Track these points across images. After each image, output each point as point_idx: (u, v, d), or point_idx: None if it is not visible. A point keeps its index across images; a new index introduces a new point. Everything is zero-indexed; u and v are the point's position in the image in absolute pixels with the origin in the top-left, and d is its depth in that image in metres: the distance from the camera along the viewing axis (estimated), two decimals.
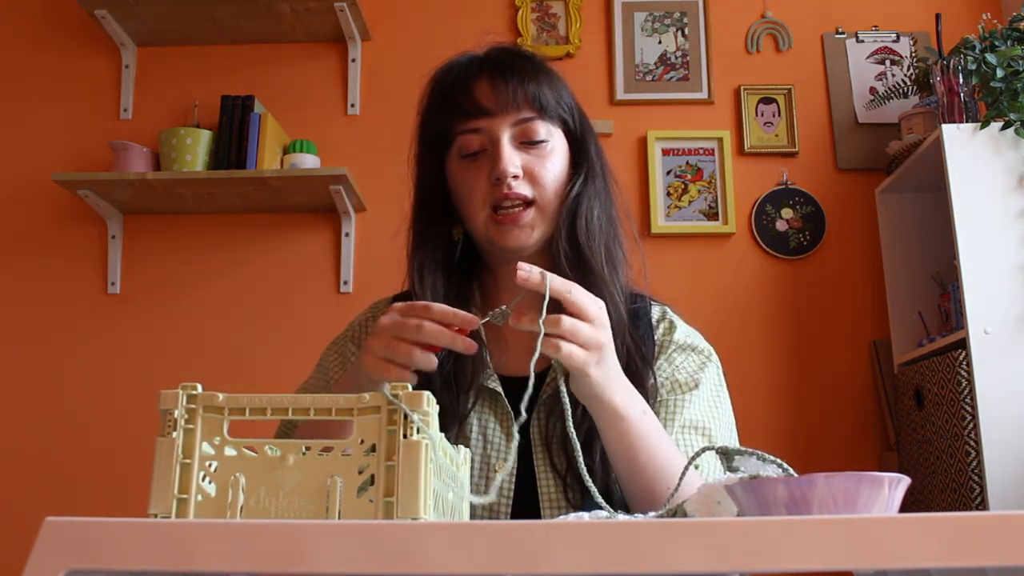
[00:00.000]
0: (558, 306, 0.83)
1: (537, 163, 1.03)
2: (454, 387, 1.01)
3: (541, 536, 0.47)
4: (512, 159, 1.01)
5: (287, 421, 1.04)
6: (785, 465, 0.62)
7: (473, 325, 0.82)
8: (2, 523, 2.30)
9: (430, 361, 0.83)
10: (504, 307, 0.83)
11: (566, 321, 0.81)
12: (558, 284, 0.82)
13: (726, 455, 0.67)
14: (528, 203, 1.03)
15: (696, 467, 0.96)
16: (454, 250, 1.07)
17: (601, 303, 0.86)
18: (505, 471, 0.74)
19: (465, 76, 1.05)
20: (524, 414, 0.73)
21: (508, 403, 1.01)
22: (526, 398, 0.73)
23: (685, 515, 0.63)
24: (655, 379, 1.03)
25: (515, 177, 1.01)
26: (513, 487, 0.98)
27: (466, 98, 1.04)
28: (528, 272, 0.81)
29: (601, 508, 0.73)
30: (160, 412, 0.58)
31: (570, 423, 0.79)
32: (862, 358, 2.43)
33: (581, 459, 0.77)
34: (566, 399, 0.80)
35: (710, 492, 0.62)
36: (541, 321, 0.80)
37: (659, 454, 0.90)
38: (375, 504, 0.56)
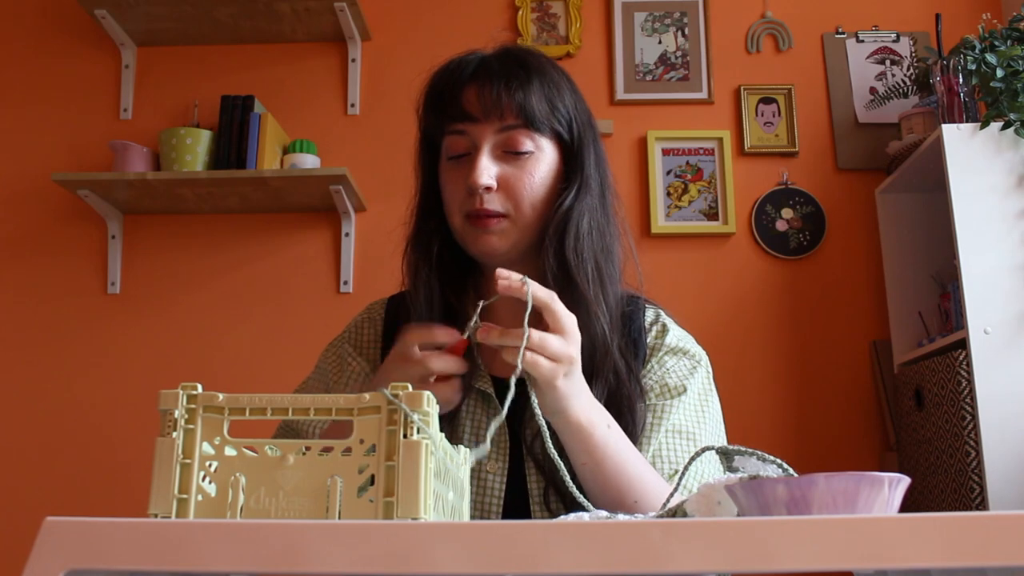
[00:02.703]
0: (535, 311, 0.84)
1: (515, 175, 1.01)
2: None
3: (541, 536, 0.47)
4: (487, 169, 0.99)
5: (287, 425, 1.04)
6: (785, 465, 0.62)
7: (465, 344, 0.85)
8: (2, 523, 2.30)
9: (454, 364, 0.87)
10: (474, 320, 0.85)
11: (535, 334, 0.82)
12: (541, 293, 0.83)
13: (726, 455, 0.67)
14: (501, 216, 1.01)
15: (686, 489, 0.96)
16: (448, 246, 1.07)
17: (574, 318, 0.87)
18: (494, 426, 0.75)
19: (458, 78, 1.04)
20: (503, 414, 0.75)
21: (499, 403, 1.01)
22: (509, 399, 0.75)
23: (685, 515, 0.63)
24: (641, 388, 1.02)
25: (487, 189, 0.99)
26: (504, 487, 0.99)
27: (453, 101, 1.03)
28: (508, 280, 0.82)
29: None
30: (160, 412, 0.58)
31: (550, 444, 0.78)
32: (862, 358, 2.43)
33: (565, 470, 0.78)
34: (542, 421, 0.80)
35: (710, 492, 0.62)
36: (524, 340, 0.81)
37: (627, 469, 0.90)
38: (375, 504, 0.56)
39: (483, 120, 1.01)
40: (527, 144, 1.01)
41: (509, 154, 1.01)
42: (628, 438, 0.94)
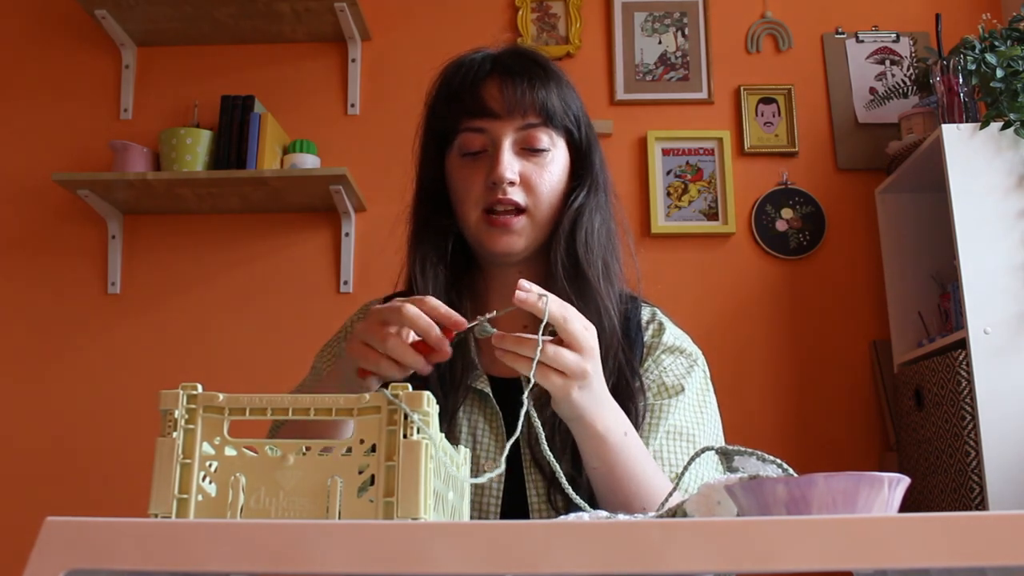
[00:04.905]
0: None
1: (535, 172, 1.03)
2: (443, 385, 1.00)
3: (541, 536, 0.47)
4: (511, 165, 1.01)
5: (275, 420, 1.04)
6: (785, 465, 0.62)
7: (461, 328, 0.81)
8: (2, 523, 2.30)
9: (404, 354, 0.81)
10: (485, 319, 0.82)
11: (550, 350, 0.80)
12: (556, 310, 0.81)
13: (726, 455, 0.67)
14: (520, 210, 1.02)
15: (684, 491, 0.95)
16: (452, 243, 1.07)
17: (593, 330, 0.85)
18: (494, 473, 0.74)
19: (476, 74, 1.05)
20: (518, 431, 0.73)
21: (497, 404, 1.01)
22: (520, 425, 0.73)
23: (685, 515, 0.63)
24: (642, 383, 1.02)
25: (511, 183, 1.01)
26: (502, 487, 0.98)
27: (473, 97, 1.03)
28: (527, 294, 0.80)
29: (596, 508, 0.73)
30: (160, 412, 0.58)
31: (545, 446, 0.77)
32: (862, 358, 2.43)
33: (562, 474, 0.76)
34: (537, 422, 0.79)
35: (710, 492, 0.62)
36: (537, 353, 0.79)
37: (637, 475, 0.89)
38: (375, 504, 0.56)
39: (504, 117, 1.02)
40: (544, 142, 1.04)
41: (527, 151, 1.03)
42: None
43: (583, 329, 0.83)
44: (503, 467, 0.72)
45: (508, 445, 0.73)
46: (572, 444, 0.93)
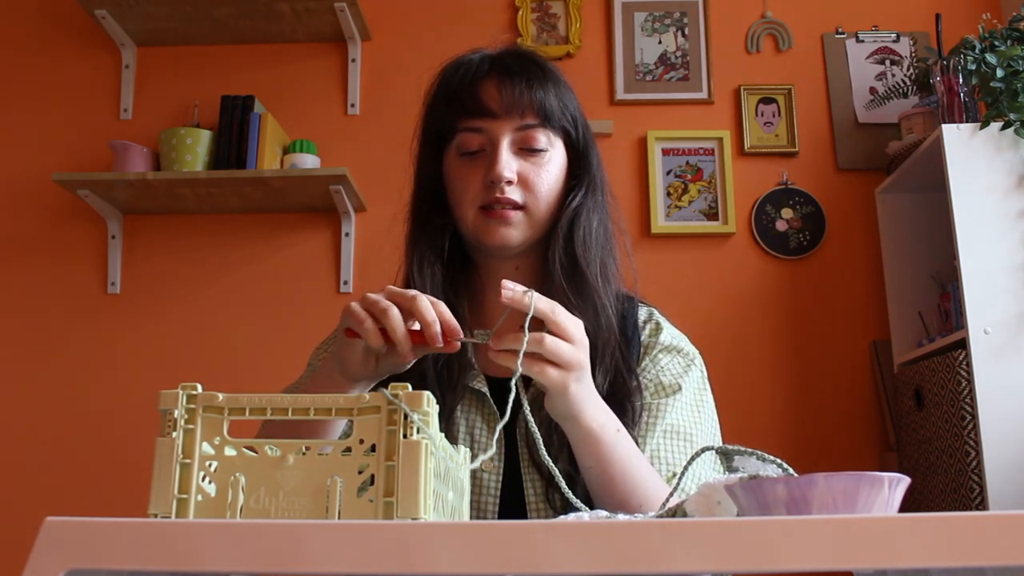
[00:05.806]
0: (539, 323, 0.82)
1: (533, 171, 1.03)
2: (440, 385, 1.00)
3: (541, 536, 0.47)
4: (509, 164, 1.02)
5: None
6: (785, 465, 0.62)
7: (456, 336, 0.82)
8: (2, 523, 2.30)
9: (397, 328, 0.81)
10: (484, 333, 0.82)
11: (548, 341, 0.80)
12: (542, 304, 0.81)
13: (726, 455, 0.67)
14: (518, 207, 1.03)
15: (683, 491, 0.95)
16: (450, 242, 1.08)
17: (581, 324, 0.85)
18: (488, 454, 0.73)
19: (474, 74, 1.05)
20: (507, 416, 0.73)
21: (494, 403, 1.02)
22: (510, 401, 0.73)
23: (685, 515, 0.63)
24: (639, 382, 1.03)
25: (509, 182, 1.02)
26: (500, 487, 0.99)
27: (471, 97, 1.04)
28: (512, 292, 0.80)
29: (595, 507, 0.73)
30: (160, 412, 0.58)
31: (543, 451, 0.77)
32: (862, 358, 2.43)
33: (560, 477, 0.76)
34: (534, 426, 0.79)
35: (710, 492, 0.62)
36: (523, 344, 0.79)
37: (631, 473, 0.89)
38: (375, 504, 0.56)
39: (503, 117, 1.03)
40: (542, 142, 1.04)
41: (525, 151, 1.04)
42: (630, 434, 0.94)
43: (573, 322, 0.83)
44: (495, 449, 0.72)
45: (499, 428, 0.73)
46: (568, 443, 0.93)
